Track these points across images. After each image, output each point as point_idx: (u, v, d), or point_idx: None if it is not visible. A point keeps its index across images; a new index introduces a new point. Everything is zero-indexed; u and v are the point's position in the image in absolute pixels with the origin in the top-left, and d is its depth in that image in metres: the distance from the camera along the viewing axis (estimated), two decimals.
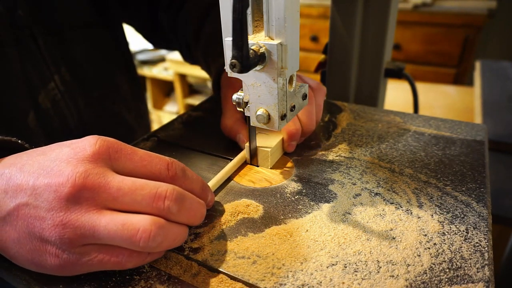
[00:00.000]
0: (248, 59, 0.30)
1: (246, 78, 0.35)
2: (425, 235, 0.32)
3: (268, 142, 0.44)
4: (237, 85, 0.48)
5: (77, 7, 0.58)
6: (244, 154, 0.44)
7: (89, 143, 0.29)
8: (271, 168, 0.43)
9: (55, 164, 0.28)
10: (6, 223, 0.28)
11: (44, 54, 0.53)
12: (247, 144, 0.43)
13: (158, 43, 0.77)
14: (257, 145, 0.43)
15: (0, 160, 0.31)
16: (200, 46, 0.62)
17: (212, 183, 0.39)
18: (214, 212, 0.37)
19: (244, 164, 0.45)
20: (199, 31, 0.61)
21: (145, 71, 2.45)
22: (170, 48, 0.78)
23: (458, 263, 0.30)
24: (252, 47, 0.32)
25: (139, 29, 0.74)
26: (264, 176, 0.42)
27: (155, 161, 0.31)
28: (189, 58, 0.72)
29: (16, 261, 0.29)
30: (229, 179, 0.42)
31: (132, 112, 0.67)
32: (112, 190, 0.27)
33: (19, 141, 0.33)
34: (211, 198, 0.36)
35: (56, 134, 0.52)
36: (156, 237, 0.27)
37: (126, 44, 0.71)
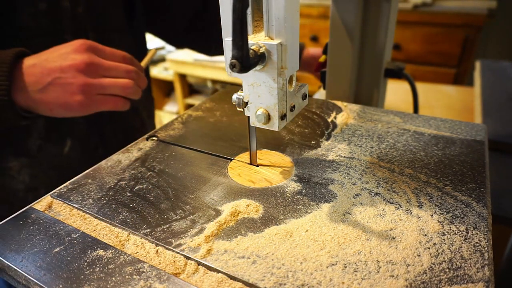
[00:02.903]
0: (248, 59, 0.30)
1: (246, 78, 0.35)
2: (425, 235, 0.32)
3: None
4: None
5: (114, 10, 0.67)
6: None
7: (79, 42, 0.48)
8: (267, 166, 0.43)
9: (66, 54, 0.47)
10: (48, 89, 0.47)
11: None
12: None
13: (187, 43, 0.87)
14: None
15: (24, 59, 0.48)
16: None
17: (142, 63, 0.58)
18: (214, 211, 0.37)
19: (244, 164, 0.45)
20: None
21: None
22: (200, 48, 0.87)
23: (458, 263, 0.30)
24: (252, 47, 0.32)
25: (166, 31, 0.83)
26: (264, 176, 0.42)
27: (116, 54, 0.52)
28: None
29: (54, 111, 0.48)
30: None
31: (145, 110, 0.79)
32: (105, 66, 0.49)
33: (28, 51, 0.50)
34: (143, 79, 0.55)
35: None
36: (133, 87, 0.51)
37: (145, 51, 0.78)
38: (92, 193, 0.40)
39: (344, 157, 0.45)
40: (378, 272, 0.29)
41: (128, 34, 0.71)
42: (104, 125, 0.66)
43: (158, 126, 0.62)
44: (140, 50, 0.76)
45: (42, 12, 0.56)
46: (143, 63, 0.61)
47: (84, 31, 0.61)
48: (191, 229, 0.35)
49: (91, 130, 0.64)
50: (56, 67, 0.47)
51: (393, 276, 0.29)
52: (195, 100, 2.40)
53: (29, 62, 0.48)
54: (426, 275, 0.29)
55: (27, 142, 0.59)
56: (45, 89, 0.47)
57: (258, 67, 0.33)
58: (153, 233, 0.34)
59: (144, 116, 0.77)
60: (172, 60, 2.27)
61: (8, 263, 0.32)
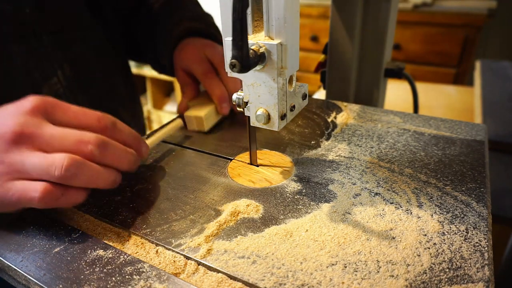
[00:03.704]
0: (248, 59, 0.30)
1: (246, 78, 0.35)
2: (425, 235, 0.32)
3: (201, 111, 0.52)
4: (179, 65, 0.59)
5: (74, 8, 0.60)
6: (180, 121, 0.54)
7: (28, 101, 0.35)
8: (258, 165, 0.43)
9: (2, 118, 0.34)
10: None
11: (47, 51, 0.55)
12: (185, 114, 0.52)
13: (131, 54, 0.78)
14: (192, 114, 0.52)
15: None
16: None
17: (149, 141, 0.46)
18: (214, 211, 0.37)
19: (244, 164, 0.45)
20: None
21: (145, 71, 2.45)
22: (141, 60, 0.79)
23: (458, 263, 0.30)
24: (252, 47, 0.32)
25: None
26: (264, 176, 0.42)
27: (88, 114, 0.37)
28: (159, 67, 0.74)
29: None
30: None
31: (128, 111, 0.70)
32: (46, 136, 0.34)
33: None
34: (145, 149, 0.41)
35: None
36: (70, 168, 0.32)
37: (121, 47, 0.73)
38: (92, 193, 0.40)
39: (344, 157, 0.45)
40: (378, 272, 0.29)
41: (96, 30, 0.63)
42: None
43: (157, 126, 0.62)
44: (116, 47, 0.70)
45: None
46: (153, 139, 0.48)
47: (35, 36, 0.52)
48: (191, 229, 0.35)
49: None
50: None
51: (393, 276, 0.29)
52: None
53: None
54: (426, 275, 0.29)
55: None
56: None
57: (258, 67, 0.33)
58: (153, 233, 0.34)
59: (125, 117, 0.68)
60: None
61: (8, 263, 0.32)
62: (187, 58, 0.58)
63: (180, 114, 0.55)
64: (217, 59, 0.56)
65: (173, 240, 0.33)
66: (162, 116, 2.56)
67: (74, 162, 0.33)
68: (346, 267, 0.30)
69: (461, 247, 0.31)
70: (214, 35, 0.63)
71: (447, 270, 0.29)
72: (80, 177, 0.33)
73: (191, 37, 0.61)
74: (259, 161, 0.45)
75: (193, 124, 0.52)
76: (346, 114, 0.55)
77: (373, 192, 0.38)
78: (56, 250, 0.33)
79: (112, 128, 0.38)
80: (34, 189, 0.33)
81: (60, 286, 0.30)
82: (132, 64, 2.32)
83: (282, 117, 0.36)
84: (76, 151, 0.34)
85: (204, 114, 0.51)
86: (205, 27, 0.64)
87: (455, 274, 0.29)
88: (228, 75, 0.34)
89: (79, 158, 0.33)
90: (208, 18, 0.68)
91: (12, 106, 0.35)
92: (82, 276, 0.30)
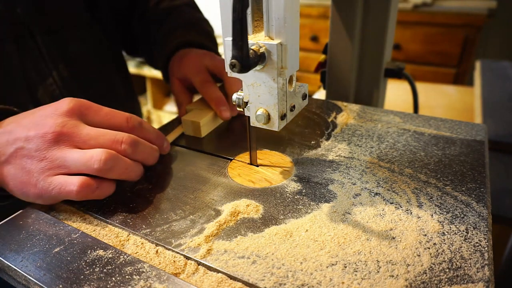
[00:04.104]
0: (248, 59, 0.30)
1: (246, 78, 0.35)
2: (425, 235, 0.32)
3: (199, 116, 0.51)
4: (176, 73, 0.59)
5: (71, 8, 0.59)
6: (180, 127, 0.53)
7: (65, 102, 0.38)
8: (257, 166, 0.43)
9: (41, 119, 0.38)
10: (9, 163, 0.37)
11: (42, 51, 0.54)
12: (183, 118, 0.52)
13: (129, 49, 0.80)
14: (190, 119, 0.51)
15: (2, 122, 0.40)
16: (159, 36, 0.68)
17: (169, 138, 0.49)
18: (214, 211, 0.37)
19: (244, 164, 0.45)
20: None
21: (145, 71, 2.45)
22: (138, 54, 0.81)
23: (458, 263, 0.30)
24: (252, 47, 0.32)
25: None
26: (264, 176, 0.42)
27: (117, 115, 0.41)
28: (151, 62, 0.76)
29: (13, 193, 0.38)
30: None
31: (127, 111, 0.69)
32: (83, 135, 0.37)
33: (15, 109, 0.42)
34: (166, 145, 0.46)
35: None
36: (107, 161, 0.36)
37: (119, 46, 0.73)
38: None
39: (344, 157, 0.45)
40: (378, 272, 0.29)
41: (93, 28, 0.63)
42: None
43: (157, 126, 0.62)
44: (113, 45, 0.70)
45: None
46: (171, 136, 0.51)
47: (31, 36, 0.53)
48: (191, 229, 0.35)
49: None
50: (22, 134, 0.37)
51: (393, 276, 0.29)
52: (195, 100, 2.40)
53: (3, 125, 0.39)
54: (426, 275, 0.29)
55: None
56: (6, 161, 0.37)
57: (258, 67, 0.33)
58: (153, 233, 0.34)
59: None
60: None
61: (8, 263, 0.32)
62: (186, 67, 0.57)
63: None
64: (218, 69, 0.55)
65: (173, 240, 0.33)
66: (162, 116, 2.56)
67: (111, 156, 0.36)
68: (346, 267, 0.30)
69: (461, 247, 0.31)
70: (209, 47, 0.64)
71: (447, 270, 0.29)
72: (115, 170, 0.37)
73: (187, 48, 0.62)
74: (259, 161, 0.45)
75: (189, 129, 0.52)
76: (346, 114, 0.55)
77: (373, 192, 0.38)
78: (56, 250, 0.33)
79: (139, 127, 0.42)
80: (72, 183, 0.36)
81: (60, 286, 0.30)
82: (132, 64, 2.32)
83: (282, 117, 0.36)
84: (110, 148, 0.37)
85: (201, 120, 0.51)
86: (199, 38, 0.64)
87: (455, 274, 0.29)
88: (228, 75, 0.34)
89: (114, 152, 0.37)
90: (201, 25, 0.68)
91: (49, 107, 0.39)
92: (82, 276, 0.30)
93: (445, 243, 0.32)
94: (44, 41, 0.54)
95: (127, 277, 0.30)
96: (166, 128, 0.54)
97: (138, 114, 0.77)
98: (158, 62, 0.67)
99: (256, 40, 0.33)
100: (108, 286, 0.29)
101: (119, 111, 0.41)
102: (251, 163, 0.45)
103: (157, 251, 0.33)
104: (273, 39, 0.33)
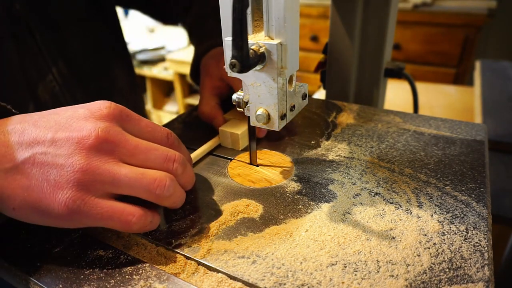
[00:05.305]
0: (248, 59, 0.30)
1: (246, 78, 0.35)
2: (425, 235, 0.32)
3: (239, 127, 0.48)
4: (214, 74, 0.53)
5: (70, 4, 0.58)
6: (217, 138, 0.49)
7: (104, 105, 0.32)
8: (256, 165, 0.43)
9: (73, 121, 0.30)
10: (18, 171, 0.29)
11: (41, 48, 0.53)
12: (221, 128, 0.48)
13: (156, 15, 0.77)
14: (229, 130, 0.48)
15: (6, 120, 0.32)
16: (187, 25, 0.67)
17: (193, 156, 0.45)
18: (214, 211, 0.37)
19: (244, 164, 0.45)
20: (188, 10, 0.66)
21: (145, 71, 2.45)
22: (167, 21, 0.78)
23: (458, 263, 0.30)
24: (252, 47, 0.32)
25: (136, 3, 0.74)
26: (264, 176, 0.42)
27: (158, 129, 0.35)
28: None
29: (18, 211, 0.30)
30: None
31: (130, 104, 0.69)
32: (131, 146, 0.31)
33: (13, 110, 0.34)
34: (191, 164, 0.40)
35: None
36: (170, 188, 0.31)
37: (122, 38, 0.71)
38: None
39: (344, 157, 0.45)
40: (378, 272, 0.29)
41: (91, 23, 0.61)
42: None
43: None
44: (116, 38, 0.68)
45: None
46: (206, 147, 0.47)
47: (30, 33, 0.51)
48: (191, 229, 0.35)
49: None
50: (45, 136, 0.29)
51: (393, 276, 0.29)
52: (195, 100, 2.40)
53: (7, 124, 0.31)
54: (426, 275, 0.29)
55: None
56: (15, 169, 0.29)
57: (258, 67, 0.33)
58: (153, 233, 0.34)
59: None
60: (172, 60, 2.27)
61: (8, 263, 0.32)
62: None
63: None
64: None
65: (173, 240, 0.33)
66: (162, 116, 2.56)
67: (173, 183, 0.32)
68: (346, 267, 0.30)
69: (461, 247, 0.31)
70: None
71: (447, 270, 0.29)
72: (172, 197, 0.32)
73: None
74: (259, 161, 0.45)
75: (227, 140, 0.48)
76: (346, 114, 0.55)
77: (373, 192, 0.38)
78: (56, 250, 0.33)
79: (178, 145, 0.37)
80: (130, 213, 0.30)
81: (60, 286, 0.30)
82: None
83: (282, 117, 0.36)
84: (162, 168, 0.32)
85: (240, 132, 0.47)
86: None
87: (455, 274, 0.29)
88: (228, 75, 0.34)
89: (173, 177, 0.32)
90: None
91: (80, 108, 0.32)
92: (82, 276, 0.30)
93: (445, 243, 0.32)
94: (43, 38, 0.53)
95: (127, 277, 0.30)
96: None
97: (141, 110, 0.76)
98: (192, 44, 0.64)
99: (256, 40, 0.33)
100: (108, 286, 0.29)
101: (158, 125, 0.36)
102: (251, 163, 0.45)
103: (157, 251, 0.33)
104: (273, 39, 0.33)
